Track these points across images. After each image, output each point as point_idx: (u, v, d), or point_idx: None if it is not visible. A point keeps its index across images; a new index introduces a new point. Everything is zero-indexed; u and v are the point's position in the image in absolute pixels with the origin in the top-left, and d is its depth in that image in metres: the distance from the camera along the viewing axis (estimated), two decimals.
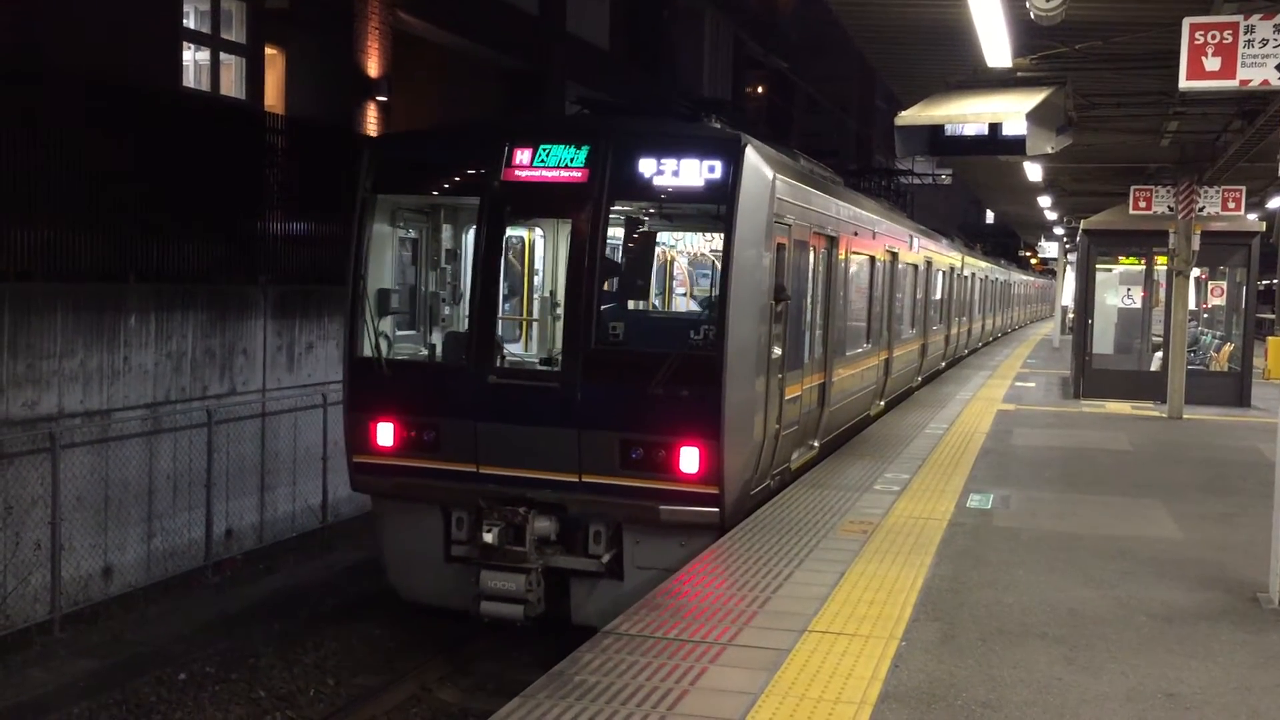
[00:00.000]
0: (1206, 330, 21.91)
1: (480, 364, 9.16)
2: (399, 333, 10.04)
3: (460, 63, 22.22)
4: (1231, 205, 16.71)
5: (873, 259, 14.58)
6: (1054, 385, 21.71)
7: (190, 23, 15.62)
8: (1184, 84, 7.95)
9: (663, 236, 11.64)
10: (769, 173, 9.39)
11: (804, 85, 40.40)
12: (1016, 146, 10.81)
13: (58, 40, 12.65)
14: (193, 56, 15.87)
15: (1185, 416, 16.69)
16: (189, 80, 15.70)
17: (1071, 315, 26.78)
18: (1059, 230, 35.54)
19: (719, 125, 10.26)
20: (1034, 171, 19.78)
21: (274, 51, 17.55)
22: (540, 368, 10.03)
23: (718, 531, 8.79)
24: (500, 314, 9.77)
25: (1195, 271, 18.09)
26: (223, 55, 15.99)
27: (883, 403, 16.50)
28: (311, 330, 13.73)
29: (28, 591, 9.98)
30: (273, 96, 17.47)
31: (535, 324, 11.06)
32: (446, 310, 10.45)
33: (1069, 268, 35.59)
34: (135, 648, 10.07)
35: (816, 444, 11.93)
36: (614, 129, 9.42)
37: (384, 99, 18.08)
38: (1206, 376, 18.84)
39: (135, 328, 11.11)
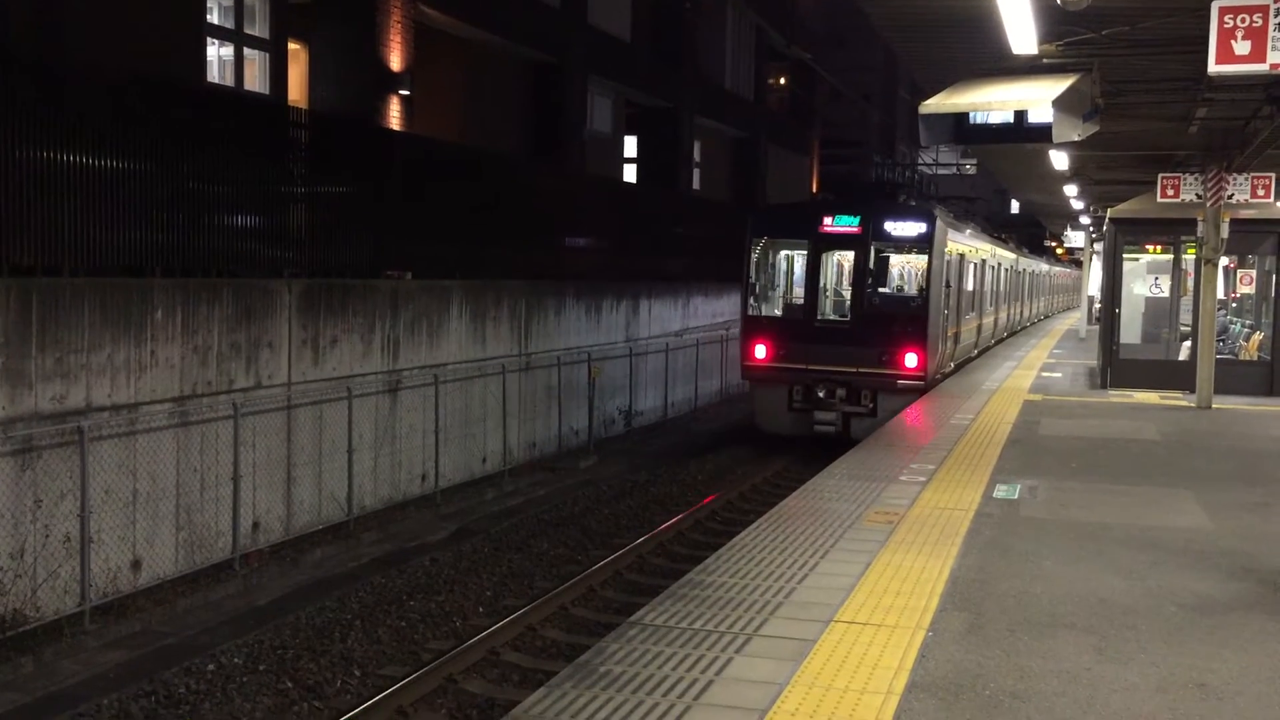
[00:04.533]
0: (1235, 319, 21.66)
1: (809, 317, 19.31)
2: (753, 303, 20.06)
3: (482, 55, 22.22)
4: (1261, 193, 16.47)
5: (973, 263, 23.63)
6: (1081, 375, 21.56)
7: (214, 18, 15.68)
8: (1213, 68, 7.84)
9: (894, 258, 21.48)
10: (945, 226, 19.67)
11: (826, 76, 40.17)
12: (1042, 134, 10.64)
13: (83, 33, 12.73)
14: (216, 52, 15.93)
15: (1214, 406, 16.53)
16: (212, 75, 15.75)
17: (1098, 305, 26.54)
18: (1085, 219, 35.22)
19: (910, 199, 21.23)
20: (1060, 159, 19.59)
21: (297, 46, 17.59)
22: (840, 318, 19.84)
23: (920, 394, 17.89)
24: (819, 296, 19.52)
25: (1224, 260, 17.87)
26: (246, 50, 16.05)
27: (976, 351, 25.81)
28: (336, 324, 13.73)
29: (58, 584, 10.08)
30: (296, 91, 17.52)
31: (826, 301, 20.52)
32: (772, 293, 20.62)
33: (1095, 257, 35.27)
34: (164, 639, 10.15)
35: (953, 364, 21.78)
36: (872, 206, 19.35)
37: (406, 93, 18.09)
38: (1236, 365, 18.63)
39: (161, 321, 11.18)
